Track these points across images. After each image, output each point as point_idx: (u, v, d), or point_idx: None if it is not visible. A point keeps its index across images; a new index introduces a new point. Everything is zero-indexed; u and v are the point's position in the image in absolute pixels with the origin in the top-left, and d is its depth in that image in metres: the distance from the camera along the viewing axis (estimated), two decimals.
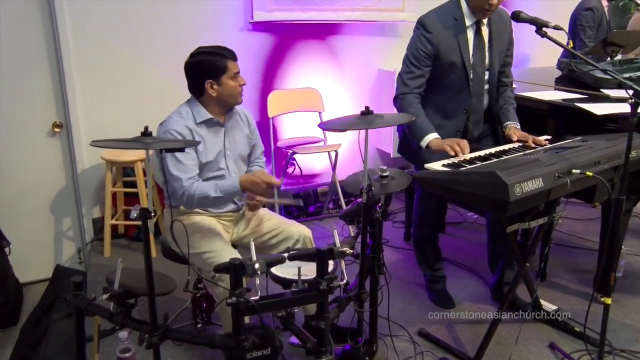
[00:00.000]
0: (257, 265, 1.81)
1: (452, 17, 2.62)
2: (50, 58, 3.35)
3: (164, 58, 3.72)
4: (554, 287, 3.16)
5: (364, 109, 2.02)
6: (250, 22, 3.95)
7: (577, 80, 3.61)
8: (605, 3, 4.79)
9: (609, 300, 2.25)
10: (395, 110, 2.73)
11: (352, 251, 1.98)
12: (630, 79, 3.39)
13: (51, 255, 3.61)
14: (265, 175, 2.32)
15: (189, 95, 2.46)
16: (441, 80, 2.68)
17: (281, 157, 4.16)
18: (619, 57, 3.98)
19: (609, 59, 4.35)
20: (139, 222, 2.24)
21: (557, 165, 2.11)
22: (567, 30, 2.30)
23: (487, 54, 2.69)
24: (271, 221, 2.61)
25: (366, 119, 1.99)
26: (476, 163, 2.30)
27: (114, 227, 3.76)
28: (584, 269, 3.39)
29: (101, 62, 3.58)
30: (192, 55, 2.41)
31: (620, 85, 3.39)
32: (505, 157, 2.38)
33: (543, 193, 2.04)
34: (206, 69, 2.36)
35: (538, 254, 3.20)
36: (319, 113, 4.16)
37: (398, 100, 2.70)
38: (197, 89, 2.42)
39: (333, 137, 4.21)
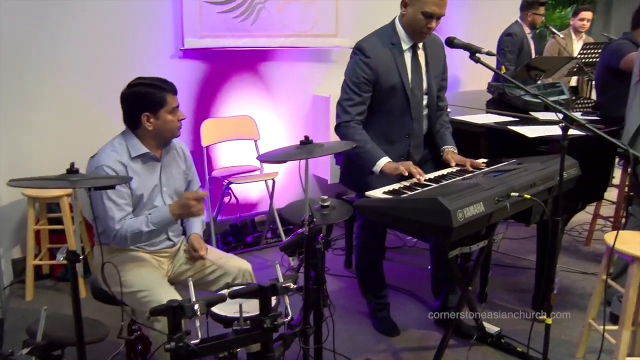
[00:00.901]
0: (196, 307, 1.71)
1: (389, 42, 2.63)
2: None
3: (93, 87, 3.56)
4: (494, 307, 3.19)
5: (302, 137, 1.97)
6: (181, 49, 3.84)
7: (507, 104, 3.72)
8: (527, 30, 5.01)
9: (549, 320, 2.27)
10: (335, 138, 2.70)
11: (295, 286, 1.91)
12: (556, 102, 3.52)
13: None
14: (190, 194, 2.24)
15: (120, 127, 2.33)
16: (382, 105, 2.67)
17: (217, 187, 4.05)
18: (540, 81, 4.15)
19: (533, 82, 4.54)
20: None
21: (497, 189, 2.13)
22: (498, 56, 2.36)
23: (424, 77, 2.71)
24: (209, 256, 2.50)
25: (306, 148, 1.94)
26: (416, 189, 2.29)
27: (38, 268, 3.50)
28: (522, 288, 3.45)
29: (23, 92, 3.37)
30: (130, 85, 2.28)
31: (547, 108, 3.52)
32: (444, 182, 2.38)
33: (484, 217, 2.05)
34: (144, 101, 2.24)
35: (478, 275, 3.23)
36: (255, 141, 4.08)
37: (341, 129, 2.65)
38: (132, 122, 2.29)
39: (270, 165, 4.14)
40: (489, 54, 2.30)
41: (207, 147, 3.93)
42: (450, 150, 2.70)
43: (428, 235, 2.72)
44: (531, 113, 3.45)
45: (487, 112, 3.56)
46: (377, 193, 2.26)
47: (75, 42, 3.49)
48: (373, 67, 2.58)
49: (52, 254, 3.51)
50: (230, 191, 4.14)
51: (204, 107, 4.05)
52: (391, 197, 2.22)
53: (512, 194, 2.13)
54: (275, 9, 4.08)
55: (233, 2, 3.92)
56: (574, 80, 5.76)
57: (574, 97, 5.19)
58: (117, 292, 2.01)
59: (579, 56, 5.12)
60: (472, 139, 3.14)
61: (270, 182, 3.98)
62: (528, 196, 2.13)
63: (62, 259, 1.64)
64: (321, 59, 4.48)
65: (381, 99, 2.65)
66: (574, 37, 5.69)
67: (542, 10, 4.95)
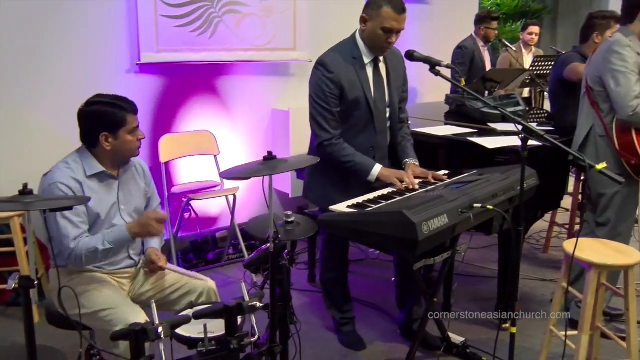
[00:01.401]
0: (160, 330, 1.65)
1: (350, 56, 2.63)
2: None
3: (46, 103, 3.44)
4: (458, 317, 3.21)
5: (263, 151, 1.95)
6: (137, 64, 3.76)
7: (465, 115, 3.79)
8: (481, 43, 5.13)
9: (514, 330, 2.29)
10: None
11: (262, 305, 1.87)
12: (514, 113, 3.60)
13: None
14: (151, 214, 2.17)
15: (76, 144, 2.26)
16: (346, 118, 2.67)
17: (177, 204, 3.96)
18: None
19: (487, 94, 4.64)
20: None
21: (460, 200, 2.15)
22: (457, 69, 2.40)
23: (386, 90, 2.72)
24: (172, 275, 2.43)
25: (269, 164, 1.91)
26: (380, 202, 2.29)
27: None
28: (484, 297, 3.49)
29: None
30: (89, 103, 2.21)
31: (504, 119, 3.60)
32: (408, 194, 2.39)
33: (449, 229, 2.06)
34: (103, 121, 2.18)
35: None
36: (215, 156, 4.02)
37: (325, 148, 2.62)
38: (90, 140, 2.22)
39: (231, 181, 4.09)
40: (448, 67, 2.34)
41: (165, 163, 3.85)
42: (411, 163, 2.72)
43: (393, 249, 2.72)
44: (489, 124, 3.51)
45: (445, 124, 3.61)
46: (341, 207, 2.25)
47: (25, 57, 3.37)
48: (336, 82, 2.58)
49: (1, 277, 3.35)
50: (190, 207, 4.07)
51: (162, 122, 3.97)
52: (355, 211, 2.21)
53: (475, 205, 2.15)
54: (233, 23, 4.05)
55: (190, 16, 3.87)
56: (526, 92, 5.93)
57: (528, 108, 5.34)
58: (75, 315, 1.93)
59: (531, 68, 5.28)
60: (432, 151, 3.17)
61: (231, 198, 3.92)
62: (491, 207, 2.15)
63: (14, 285, 1.56)
64: (280, 73, 4.46)
65: (345, 113, 2.65)
66: (524, 50, 5.86)
67: (494, 24, 5.09)
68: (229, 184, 4.02)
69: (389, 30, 2.51)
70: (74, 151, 2.26)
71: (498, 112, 3.61)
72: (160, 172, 3.78)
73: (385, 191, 2.47)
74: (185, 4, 3.84)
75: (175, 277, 2.42)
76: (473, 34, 5.16)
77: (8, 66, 3.33)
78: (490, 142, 2.91)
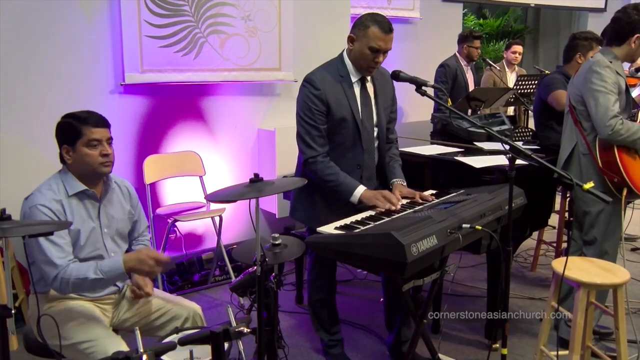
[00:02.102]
0: (144, 357, 1.60)
1: (338, 74, 2.62)
2: None
3: (27, 125, 3.39)
4: (448, 338, 3.19)
5: (249, 172, 1.93)
6: (121, 85, 3.73)
7: (451, 134, 3.79)
8: (464, 62, 5.18)
9: (505, 351, 2.27)
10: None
11: (249, 330, 1.83)
12: (500, 132, 3.62)
13: None
14: (152, 252, 2.10)
15: (56, 167, 2.22)
16: (334, 136, 2.65)
17: (162, 225, 3.91)
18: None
19: (471, 112, 4.67)
20: None
21: (448, 221, 2.13)
22: (444, 89, 2.40)
23: (374, 109, 2.71)
24: (156, 300, 2.38)
25: (255, 186, 1.88)
26: (369, 223, 2.26)
27: None
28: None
29: None
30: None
31: (489, 138, 3.61)
32: (396, 215, 2.37)
33: (438, 250, 2.04)
34: (62, 133, 2.17)
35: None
36: (200, 177, 3.98)
37: (309, 165, 2.61)
38: (60, 157, 2.19)
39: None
40: (434, 87, 2.34)
41: (151, 185, 3.79)
42: (399, 184, 2.70)
43: (382, 271, 2.68)
44: (475, 143, 3.52)
45: (432, 143, 3.61)
46: (329, 229, 2.22)
47: (8, 77, 3.32)
48: (323, 99, 2.56)
49: None
50: (175, 229, 4.01)
51: (147, 143, 3.92)
52: (343, 232, 2.18)
53: (464, 225, 2.14)
54: (218, 43, 4.04)
55: (174, 37, 3.85)
56: (511, 110, 5.98)
57: (513, 127, 5.37)
58: (55, 345, 1.87)
59: (514, 87, 5.33)
60: (419, 170, 3.16)
61: (217, 219, 3.87)
62: (479, 227, 2.14)
63: None
64: (265, 93, 4.45)
65: (332, 131, 2.63)
66: (507, 69, 5.93)
67: (477, 43, 5.14)
68: (215, 205, 3.98)
69: (376, 50, 2.51)
70: (56, 172, 2.22)
71: (484, 131, 3.65)
72: (145, 194, 3.73)
73: (373, 212, 2.45)
74: (170, 24, 3.83)
75: (160, 302, 2.37)
76: (456, 53, 5.21)
77: None
78: (477, 162, 2.91)
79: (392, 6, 5.76)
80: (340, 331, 3.00)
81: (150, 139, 3.94)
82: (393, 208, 2.43)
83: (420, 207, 2.47)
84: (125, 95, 3.80)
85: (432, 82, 2.35)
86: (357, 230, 2.16)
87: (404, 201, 2.59)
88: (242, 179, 3.90)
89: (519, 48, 5.89)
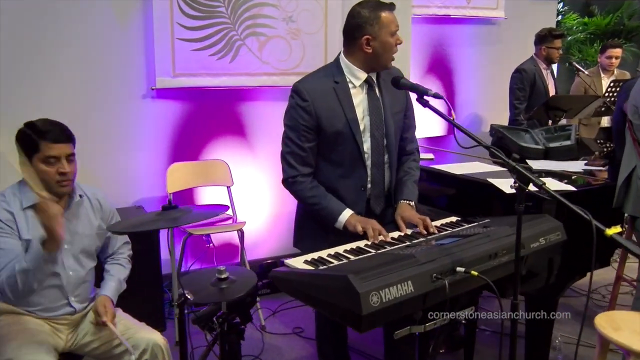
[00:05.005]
0: None
1: (331, 80, 2.24)
2: None
3: None
4: None
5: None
6: (152, 89, 3.60)
7: (504, 148, 3.28)
8: (543, 65, 4.56)
9: None
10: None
11: None
12: (557, 148, 3.07)
13: None
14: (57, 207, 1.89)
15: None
16: (329, 154, 2.28)
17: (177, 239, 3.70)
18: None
19: (550, 123, 4.10)
20: None
21: (437, 262, 1.71)
22: (446, 99, 1.95)
23: (383, 115, 2.30)
24: (121, 325, 2.16)
25: (167, 215, 1.59)
26: (342, 260, 1.88)
27: None
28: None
29: None
30: None
31: (547, 155, 3.08)
32: (383, 250, 1.97)
33: (415, 299, 1.63)
34: (21, 144, 2.01)
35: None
36: (228, 187, 3.74)
37: (288, 185, 2.31)
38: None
39: (242, 213, 3.82)
40: (436, 96, 1.91)
41: (175, 193, 3.59)
42: (404, 204, 2.27)
43: (340, 321, 2.21)
44: (527, 161, 2.99)
45: (476, 160, 3.13)
46: (297, 262, 1.88)
47: (37, 80, 3.29)
48: (311, 111, 2.20)
49: None
50: (210, 240, 3.81)
51: (178, 150, 3.77)
52: (311, 267, 1.83)
53: (459, 268, 1.71)
54: (256, 46, 3.81)
55: (209, 40, 3.67)
56: (605, 121, 5.21)
57: (600, 141, 4.67)
58: None
59: (606, 94, 4.62)
60: (445, 191, 2.71)
61: (240, 232, 3.58)
62: (475, 273, 1.70)
63: None
64: None
65: (327, 148, 2.27)
66: (602, 74, 5.18)
67: (557, 43, 4.49)
68: (241, 217, 3.75)
69: (395, 33, 2.18)
70: (15, 183, 2.08)
71: (539, 146, 3.12)
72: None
73: (361, 243, 2.06)
74: (204, 27, 3.65)
75: (122, 328, 2.15)
76: (533, 56, 4.59)
77: (22, 94, 3.24)
78: (509, 185, 2.42)
79: (472, 5, 5.20)
80: None
81: (181, 146, 3.78)
82: (376, 242, 2.04)
83: (418, 240, 2.04)
84: (158, 99, 3.67)
85: (434, 91, 1.92)
86: (321, 268, 1.80)
87: (409, 231, 2.18)
88: (278, 190, 3.64)
89: (616, 52, 5.11)
